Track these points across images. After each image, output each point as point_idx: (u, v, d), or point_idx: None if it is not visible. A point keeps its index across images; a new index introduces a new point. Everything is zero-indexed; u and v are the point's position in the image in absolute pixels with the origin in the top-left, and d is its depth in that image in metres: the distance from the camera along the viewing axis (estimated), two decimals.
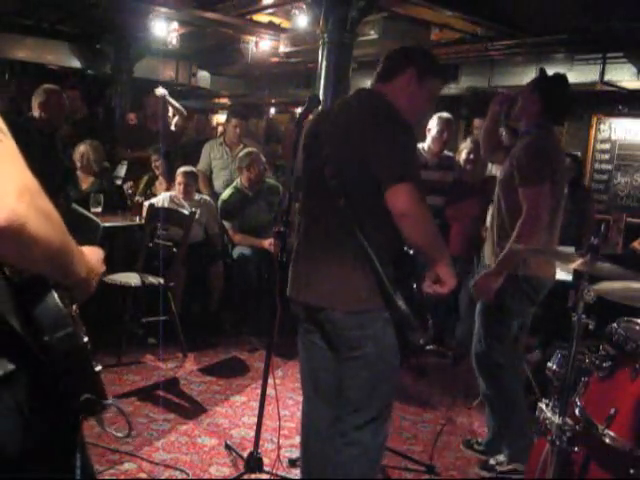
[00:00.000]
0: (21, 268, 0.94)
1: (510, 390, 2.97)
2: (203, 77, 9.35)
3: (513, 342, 2.98)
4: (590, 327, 2.01)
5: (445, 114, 4.45)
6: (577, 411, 2.05)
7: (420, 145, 4.40)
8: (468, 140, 4.87)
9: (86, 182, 5.03)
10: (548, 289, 2.94)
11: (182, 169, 4.85)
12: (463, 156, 4.60)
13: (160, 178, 5.34)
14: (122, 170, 5.99)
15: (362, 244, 1.98)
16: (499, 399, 3.00)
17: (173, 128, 6.36)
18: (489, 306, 2.93)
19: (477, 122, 5.93)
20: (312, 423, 2.31)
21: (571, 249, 3.68)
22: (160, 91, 5.99)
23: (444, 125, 4.38)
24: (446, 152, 4.59)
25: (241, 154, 5.04)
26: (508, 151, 3.01)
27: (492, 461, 3.05)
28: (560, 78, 2.96)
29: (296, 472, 2.76)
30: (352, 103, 2.17)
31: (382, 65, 2.24)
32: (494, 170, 5.24)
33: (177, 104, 6.24)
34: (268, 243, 4.73)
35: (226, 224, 4.98)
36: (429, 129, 4.43)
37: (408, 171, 1.96)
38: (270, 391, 2.73)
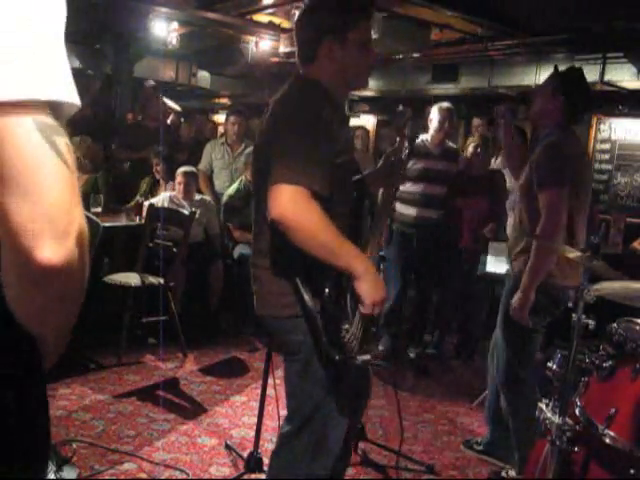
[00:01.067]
0: (32, 320, 0.79)
1: (528, 405, 2.78)
2: (203, 77, 9.33)
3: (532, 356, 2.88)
4: (590, 327, 2.01)
5: (445, 104, 4.51)
6: (577, 411, 2.05)
7: (422, 136, 4.45)
8: (476, 135, 4.92)
9: (80, 180, 5.01)
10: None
11: (182, 169, 4.85)
12: (470, 149, 4.65)
13: (161, 181, 5.33)
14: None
15: (282, 248, 1.81)
16: (517, 414, 2.89)
17: (168, 122, 6.38)
18: (509, 320, 2.76)
19: (476, 121, 5.93)
20: None
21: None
22: (150, 82, 6.03)
23: (445, 115, 4.42)
24: (450, 144, 4.65)
25: (247, 150, 5.09)
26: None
27: (503, 474, 3.01)
28: (576, 72, 2.83)
29: None
30: (279, 93, 1.95)
31: (297, 47, 1.97)
32: (497, 164, 5.28)
33: (170, 102, 6.25)
34: None
35: (229, 220, 5.00)
36: (430, 119, 4.47)
37: (296, 171, 1.67)
38: (270, 391, 2.74)
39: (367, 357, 1.85)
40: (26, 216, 0.68)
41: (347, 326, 1.85)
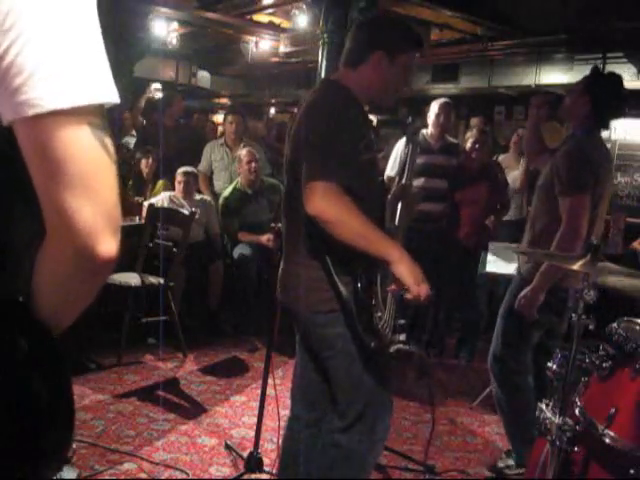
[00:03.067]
0: (67, 311, 0.86)
1: (523, 396, 2.85)
2: (203, 77, 9.34)
3: (536, 350, 2.86)
4: (590, 327, 2.01)
5: (443, 99, 4.63)
6: (577, 411, 2.05)
7: (423, 131, 4.49)
8: (474, 130, 4.96)
9: None
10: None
11: (182, 169, 4.86)
12: (468, 145, 4.71)
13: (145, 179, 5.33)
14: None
15: (317, 244, 1.91)
16: (510, 404, 2.90)
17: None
18: (511, 312, 2.77)
19: (474, 120, 5.95)
20: (293, 423, 2.28)
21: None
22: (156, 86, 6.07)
23: (440, 109, 4.52)
24: (450, 138, 4.75)
25: (238, 153, 5.14)
26: (552, 154, 2.82)
27: (501, 464, 3.03)
28: (613, 78, 2.77)
29: None
30: (308, 96, 2.04)
31: (347, 47, 2.08)
32: (500, 157, 5.30)
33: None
34: (266, 239, 4.75)
35: (227, 221, 5.02)
36: (429, 115, 4.57)
37: (327, 168, 1.80)
38: (270, 391, 2.74)
39: (400, 345, 1.95)
40: (89, 215, 0.75)
41: (380, 314, 1.94)
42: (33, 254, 0.82)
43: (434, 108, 4.54)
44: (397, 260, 1.84)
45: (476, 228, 4.59)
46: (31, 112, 0.71)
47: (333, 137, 1.85)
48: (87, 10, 0.76)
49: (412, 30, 2.11)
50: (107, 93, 0.76)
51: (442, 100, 4.59)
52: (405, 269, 1.84)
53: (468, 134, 4.92)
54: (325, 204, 1.78)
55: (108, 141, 0.77)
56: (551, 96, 3.00)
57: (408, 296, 1.87)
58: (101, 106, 0.76)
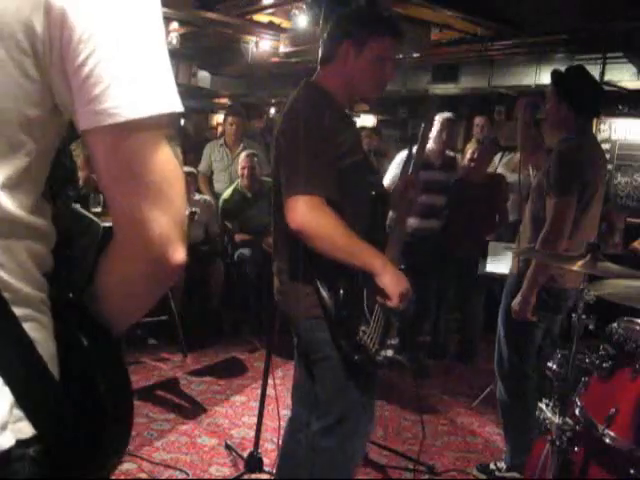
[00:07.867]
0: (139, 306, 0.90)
1: (529, 400, 2.80)
2: (203, 77, 9.33)
3: (537, 351, 2.87)
4: (590, 327, 2.01)
5: (446, 114, 4.50)
6: (577, 411, 2.05)
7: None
8: (473, 140, 4.94)
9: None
10: (573, 298, 2.73)
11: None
12: (468, 155, 4.66)
13: None
14: None
15: (301, 253, 1.88)
16: (514, 407, 2.89)
17: None
18: (510, 314, 2.77)
19: (478, 119, 5.94)
20: (289, 424, 2.29)
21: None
22: None
23: (443, 125, 4.42)
24: (449, 152, 4.64)
25: (243, 153, 5.13)
26: (549, 153, 2.84)
27: (492, 466, 3.03)
28: (577, 71, 2.78)
29: None
30: (289, 99, 1.98)
31: (321, 46, 2.06)
32: (500, 169, 5.28)
33: None
34: (266, 241, 4.76)
35: (227, 224, 5.03)
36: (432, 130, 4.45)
37: (307, 181, 1.76)
38: (270, 391, 2.74)
39: (389, 353, 1.93)
40: (165, 224, 0.76)
41: (364, 327, 1.91)
42: (87, 257, 0.84)
43: (437, 124, 4.38)
44: (380, 272, 1.83)
45: (474, 242, 4.52)
46: (110, 121, 0.71)
47: (311, 148, 1.79)
48: (157, 21, 0.79)
49: (382, 14, 2.02)
50: (177, 102, 0.77)
51: (444, 115, 4.43)
52: (388, 280, 1.83)
53: (468, 145, 4.92)
54: (306, 219, 1.76)
55: (177, 150, 0.78)
56: (536, 97, 3.01)
57: (389, 304, 1.86)
58: (171, 115, 0.76)
